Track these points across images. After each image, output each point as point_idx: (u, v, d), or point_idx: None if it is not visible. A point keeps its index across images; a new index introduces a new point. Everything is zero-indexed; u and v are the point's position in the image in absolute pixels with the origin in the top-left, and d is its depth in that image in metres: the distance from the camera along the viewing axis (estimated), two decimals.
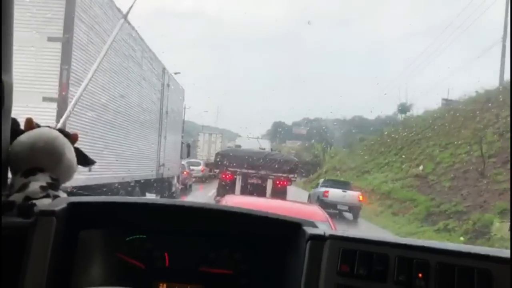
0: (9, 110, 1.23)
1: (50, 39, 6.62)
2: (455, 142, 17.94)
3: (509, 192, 12.18)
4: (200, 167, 25.94)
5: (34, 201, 1.21)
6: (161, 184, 13.33)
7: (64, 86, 6.83)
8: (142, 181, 11.25)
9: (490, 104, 18.45)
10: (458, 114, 20.39)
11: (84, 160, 1.48)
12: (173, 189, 15.07)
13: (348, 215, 16.43)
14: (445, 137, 19.24)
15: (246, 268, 1.30)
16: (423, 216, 14.75)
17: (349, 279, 1.09)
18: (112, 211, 1.29)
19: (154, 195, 12.95)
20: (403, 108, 28.93)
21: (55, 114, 6.68)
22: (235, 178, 14.71)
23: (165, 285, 1.28)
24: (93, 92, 7.47)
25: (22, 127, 1.39)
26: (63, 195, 1.33)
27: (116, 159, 8.83)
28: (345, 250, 1.11)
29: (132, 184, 10.39)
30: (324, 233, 1.16)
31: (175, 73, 15.26)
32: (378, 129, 31.06)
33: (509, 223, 10.24)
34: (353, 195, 16.23)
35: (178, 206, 1.31)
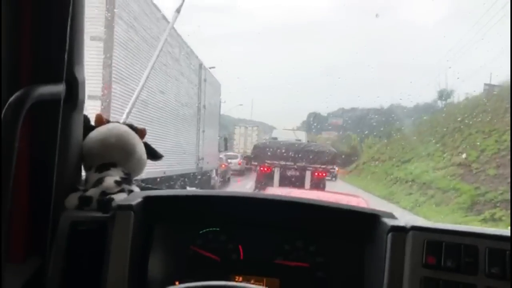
0: (82, 107, 1.26)
1: (93, 38, 6.78)
2: (500, 129, 17.29)
3: None
4: (238, 160, 26.08)
5: (111, 196, 1.24)
6: (201, 177, 13.50)
7: (106, 84, 7.00)
8: (182, 175, 11.42)
9: None
10: (502, 99, 19.61)
11: (153, 154, 1.51)
12: (212, 182, 15.24)
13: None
14: (488, 123, 18.56)
15: (322, 261, 1.28)
16: (467, 206, 14.31)
17: (436, 271, 1.05)
18: (185, 204, 1.31)
19: (195, 188, 13.14)
20: (444, 95, 28.05)
21: (99, 111, 6.88)
22: (273, 171, 14.70)
23: (241, 278, 1.28)
24: (134, 89, 7.61)
25: (92, 123, 1.42)
26: (136, 189, 1.36)
27: None
28: (430, 242, 1.07)
29: (173, 178, 10.57)
30: (406, 224, 1.13)
31: (211, 68, 15.35)
32: (418, 117, 30.27)
33: None
34: None
35: (250, 198, 1.31)
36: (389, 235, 1.11)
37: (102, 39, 6.89)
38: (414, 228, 1.11)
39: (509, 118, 17.32)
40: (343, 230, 1.27)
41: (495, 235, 1.06)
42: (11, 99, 0.94)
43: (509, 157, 15.30)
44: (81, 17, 1.20)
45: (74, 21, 1.14)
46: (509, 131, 16.48)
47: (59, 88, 1.11)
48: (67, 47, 1.11)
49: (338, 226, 1.27)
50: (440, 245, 1.06)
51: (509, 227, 11.29)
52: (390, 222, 1.15)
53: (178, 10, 2.48)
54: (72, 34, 1.13)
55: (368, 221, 1.22)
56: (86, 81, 1.27)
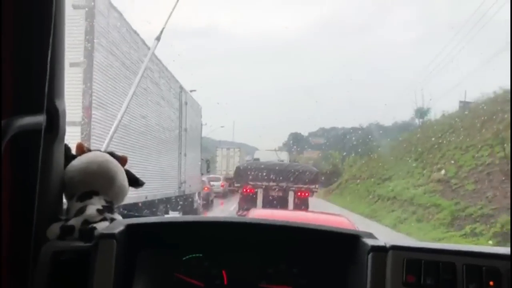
0: (63, 136, 1.27)
1: (72, 64, 6.78)
2: (476, 144, 17.65)
3: None
4: (220, 183, 25.97)
5: (93, 225, 1.24)
6: (183, 201, 13.40)
7: (87, 110, 6.98)
8: (164, 199, 11.33)
9: (509, 105, 18.14)
10: (476, 116, 20.08)
11: (134, 181, 1.51)
12: (195, 205, 15.13)
13: None
14: (465, 139, 18.94)
15: (306, 283, 1.29)
16: (448, 221, 14.47)
17: None
18: (168, 231, 1.31)
19: (177, 212, 13.04)
20: (421, 113, 28.62)
21: (79, 137, 6.84)
22: (256, 192, 14.69)
23: None
24: (115, 114, 7.60)
25: (73, 152, 1.42)
26: (118, 217, 1.36)
27: None
28: (409, 260, 1.10)
29: (156, 202, 10.48)
30: (385, 243, 1.15)
31: (191, 91, 15.42)
32: (396, 135, 30.72)
33: None
34: None
35: (231, 223, 1.33)
36: (370, 255, 1.13)
37: (82, 65, 6.90)
38: (394, 248, 1.13)
39: (484, 133, 17.72)
40: (325, 252, 1.28)
41: (472, 252, 1.09)
42: None
43: (486, 172, 15.60)
44: (62, 48, 1.22)
45: (54, 51, 1.15)
46: (485, 147, 16.84)
47: (40, 119, 1.12)
48: (47, 78, 1.12)
49: (320, 248, 1.28)
50: (419, 264, 1.09)
51: (488, 242, 11.44)
52: (370, 242, 1.17)
53: (158, 38, 2.53)
54: (52, 64, 1.15)
55: (348, 242, 1.24)
56: (66, 108, 1.29)
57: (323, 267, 1.29)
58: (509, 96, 19.29)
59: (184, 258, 1.32)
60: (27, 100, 1.13)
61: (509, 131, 16.08)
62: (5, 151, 0.95)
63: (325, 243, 1.29)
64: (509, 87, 20.72)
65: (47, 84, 1.12)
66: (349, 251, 1.24)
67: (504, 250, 1.12)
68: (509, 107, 17.98)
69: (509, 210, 12.31)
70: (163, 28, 2.39)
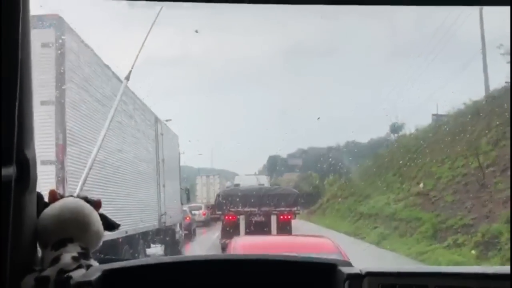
0: (34, 186, 1.25)
1: (43, 102, 6.69)
2: (451, 156, 18.02)
3: None
4: (201, 211, 25.74)
5: (69, 274, 1.21)
6: (164, 233, 13.19)
7: (60, 147, 6.87)
8: (145, 232, 11.14)
9: (479, 115, 18.67)
10: (449, 128, 20.58)
11: (109, 225, 1.49)
12: (177, 236, 14.90)
13: None
14: (440, 152, 19.33)
15: None
16: (431, 234, 14.62)
17: None
18: (146, 274, 1.30)
19: (159, 245, 12.82)
20: (395, 128, 29.18)
21: (54, 176, 6.70)
22: (238, 218, 14.58)
23: None
24: (90, 150, 7.49)
25: (46, 199, 1.40)
26: (94, 263, 1.34)
27: (117, 214, 8.77)
28: (384, 286, 1.13)
29: (136, 237, 10.29)
30: (361, 271, 1.18)
31: (167, 120, 15.38)
32: (373, 151, 31.15)
33: None
34: None
35: (209, 261, 1.33)
36: (346, 283, 1.17)
37: (54, 103, 6.82)
38: (369, 274, 1.18)
39: (458, 144, 18.13)
40: (303, 281, 1.31)
41: (444, 273, 1.14)
42: None
43: (463, 182, 15.89)
44: (29, 96, 1.21)
45: (22, 101, 1.15)
46: (460, 158, 17.20)
47: (10, 170, 1.10)
48: (16, 129, 1.11)
49: (299, 278, 1.30)
50: None
51: (471, 252, 11.58)
52: (346, 270, 1.21)
53: (127, 78, 2.53)
54: (20, 114, 1.14)
55: (326, 270, 1.27)
56: (37, 146, 1.27)
57: None
58: (475, 108, 19.88)
59: None
60: None
61: (481, 140, 16.50)
62: None
63: (303, 273, 1.31)
64: (476, 99, 21.37)
65: (15, 134, 1.10)
66: (326, 280, 1.27)
67: (474, 269, 1.18)
68: (478, 118, 18.50)
69: (489, 219, 12.53)
70: (132, 67, 2.40)
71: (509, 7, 1.09)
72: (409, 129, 28.74)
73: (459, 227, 13.50)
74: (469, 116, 19.40)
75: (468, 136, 17.89)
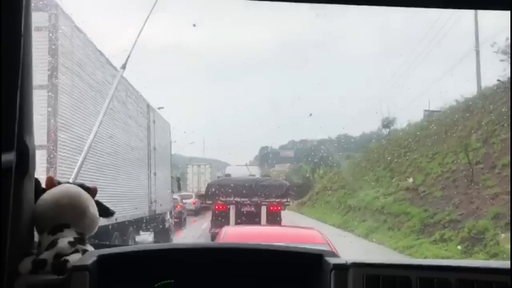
0: (33, 172, 1.28)
1: (36, 87, 6.62)
2: (442, 152, 18.18)
3: (500, 197, 12.34)
4: (192, 200, 25.77)
5: (66, 258, 1.24)
6: (154, 221, 13.20)
7: (52, 132, 6.84)
8: (135, 220, 11.14)
9: (470, 112, 18.82)
10: (441, 124, 20.72)
11: (105, 211, 1.53)
12: (167, 225, 14.92)
13: None
14: (431, 147, 19.50)
15: None
16: (418, 228, 14.79)
17: None
18: (139, 259, 1.33)
19: (148, 233, 12.84)
20: (387, 123, 29.28)
21: (45, 161, 6.68)
22: (229, 208, 14.63)
23: None
24: (81, 136, 7.47)
25: (43, 185, 1.42)
26: (90, 248, 1.37)
27: (108, 201, 8.75)
28: (368, 276, 1.17)
29: (126, 224, 10.29)
30: (346, 261, 1.22)
31: (159, 108, 15.32)
32: (364, 145, 31.29)
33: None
34: None
35: (200, 249, 1.36)
36: (332, 272, 1.21)
37: (46, 87, 6.77)
38: (354, 265, 1.21)
39: (449, 140, 18.28)
40: (290, 271, 1.34)
41: (425, 266, 1.18)
42: None
43: (452, 178, 16.06)
44: (30, 85, 1.23)
45: (23, 89, 1.17)
46: (450, 154, 17.36)
47: (10, 157, 1.12)
48: (17, 116, 1.13)
49: (286, 267, 1.35)
50: (377, 279, 1.17)
51: (457, 247, 11.75)
52: (332, 260, 1.25)
53: (123, 67, 2.54)
54: (21, 102, 1.16)
55: (312, 260, 1.31)
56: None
57: (290, 285, 1.35)
58: (466, 105, 20.04)
59: (156, 285, 1.34)
60: None
61: (471, 137, 16.65)
62: None
63: (290, 263, 1.35)
64: (468, 96, 21.53)
65: (16, 121, 1.12)
66: (313, 269, 1.31)
67: (455, 262, 1.23)
68: (469, 115, 18.66)
69: (476, 216, 12.70)
70: (128, 56, 2.41)
71: (508, 12, 1.11)
72: (401, 124, 28.92)
73: (446, 222, 13.67)
74: (460, 113, 19.57)
75: (459, 132, 18.06)
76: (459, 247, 11.75)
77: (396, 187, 19.51)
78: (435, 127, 21.17)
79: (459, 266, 1.17)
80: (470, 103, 20.18)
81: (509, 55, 16.71)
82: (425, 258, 11.23)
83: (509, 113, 13.93)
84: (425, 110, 26.10)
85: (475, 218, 12.54)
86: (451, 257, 11.11)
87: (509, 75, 17.08)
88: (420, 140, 21.43)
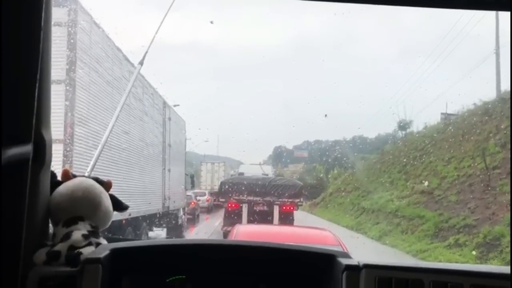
0: (49, 165, 1.30)
1: (54, 81, 6.70)
2: (458, 156, 17.94)
3: None
4: (205, 197, 25.88)
5: (79, 250, 1.25)
6: (167, 217, 13.28)
7: (68, 127, 6.91)
8: (148, 215, 11.22)
9: (489, 116, 18.53)
10: (458, 128, 20.44)
11: (118, 206, 1.53)
12: (180, 221, 15.00)
13: None
14: (447, 151, 19.26)
15: None
16: (432, 232, 14.63)
17: None
18: (152, 254, 1.34)
19: (161, 229, 12.92)
20: (403, 125, 28.94)
21: (61, 155, 6.76)
22: (241, 207, 14.64)
23: None
24: (97, 131, 7.54)
25: (59, 178, 1.43)
26: (103, 241, 1.39)
27: (122, 196, 8.81)
28: (381, 278, 1.16)
29: (139, 219, 10.37)
30: (359, 262, 1.21)
31: (175, 106, 15.39)
32: (380, 147, 31.04)
33: None
34: None
35: (212, 245, 1.36)
36: (344, 273, 1.20)
37: (64, 82, 6.85)
38: (366, 266, 1.20)
39: (466, 144, 18.04)
40: (302, 270, 1.34)
41: (439, 269, 1.16)
42: None
43: (468, 183, 15.84)
44: (48, 78, 1.25)
45: (42, 82, 1.19)
46: (467, 158, 17.12)
47: (28, 149, 1.14)
48: (35, 108, 1.14)
49: (298, 267, 1.34)
50: (389, 281, 1.16)
51: (472, 252, 11.58)
52: (344, 261, 1.24)
53: (141, 63, 2.55)
54: (40, 95, 1.17)
55: (324, 261, 1.30)
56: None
57: (301, 285, 1.34)
58: (485, 109, 19.72)
59: (167, 280, 1.35)
60: (14, 130, 1.14)
61: (489, 142, 16.40)
62: None
63: (302, 262, 1.35)
64: (487, 99, 21.19)
65: (34, 114, 1.13)
66: (325, 270, 1.30)
67: (469, 267, 1.21)
68: (488, 119, 18.37)
69: (492, 221, 12.51)
70: (146, 53, 2.42)
71: (509, 12, 1.09)
72: (418, 126, 28.58)
73: (461, 227, 13.49)
74: (479, 116, 19.28)
75: (476, 136, 17.80)
76: (474, 252, 11.59)
77: (410, 190, 19.32)
78: (452, 130, 20.89)
79: (474, 271, 1.15)
80: (489, 106, 19.85)
81: None
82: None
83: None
84: (442, 113, 25.75)
85: (491, 224, 12.35)
86: (465, 262, 10.97)
87: None
88: (436, 143, 21.18)
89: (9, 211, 1.16)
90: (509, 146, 14.98)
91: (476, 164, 15.99)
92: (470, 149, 17.16)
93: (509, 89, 19.66)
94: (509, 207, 12.47)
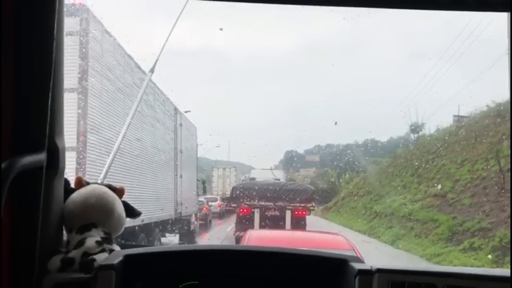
0: (62, 172, 1.32)
1: (66, 90, 6.78)
2: (471, 158, 17.74)
3: None
4: (217, 203, 25.90)
5: (93, 257, 1.27)
6: (180, 222, 13.32)
7: (81, 134, 6.99)
8: (161, 221, 11.27)
9: (502, 118, 18.31)
10: (471, 130, 20.23)
11: (131, 212, 1.55)
12: (192, 227, 15.03)
13: None
14: (460, 153, 19.06)
15: None
16: (446, 236, 14.47)
17: None
18: (165, 260, 1.35)
19: (174, 234, 12.96)
20: (415, 128, 28.71)
21: (74, 162, 6.83)
22: (253, 212, 14.63)
23: None
24: (110, 138, 7.60)
25: (72, 185, 1.45)
26: (116, 248, 1.40)
27: (134, 202, 8.85)
28: (394, 283, 1.16)
29: (152, 225, 10.42)
30: (371, 267, 1.20)
31: (186, 112, 15.45)
32: (392, 151, 30.81)
33: None
34: None
35: (224, 251, 1.37)
36: (357, 278, 1.20)
37: (76, 90, 6.93)
38: (379, 271, 1.20)
39: (479, 147, 17.83)
40: (315, 275, 1.34)
41: (452, 273, 1.15)
42: None
43: (482, 185, 15.65)
44: (61, 86, 1.27)
45: (54, 90, 1.21)
46: (481, 160, 16.93)
47: (41, 157, 1.16)
48: (48, 116, 1.16)
49: (310, 272, 1.34)
50: (403, 286, 1.16)
51: (487, 256, 11.42)
52: (357, 266, 1.24)
53: (152, 70, 2.58)
54: (53, 103, 1.20)
55: (337, 266, 1.30)
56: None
57: None
58: (498, 110, 19.49)
59: (180, 286, 1.36)
60: (28, 138, 1.17)
61: (503, 144, 16.19)
62: (8, 188, 0.99)
63: (315, 268, 1.35)
64: (500, 101, 20.94)
65: (48, 122, 1.15)
66: (337, 275, 1.30)
67: (484, 271, 1.19)
68: (501, 120, 18.15)
69: (508, 224, 12.33)
70: (157, 60, 2.44)
71: (507, 13, 1.09)
72: (429, 129, 28.31)
73: (476, 230, 13.32)
74: (492, 118, 19.06)
75: (489, 138, 17.59)
76: (489, 256, 11.43)
77: (423, 193, 19.14)
78: (464, 133, 20.68)
79: (487, 274, 1.14)
80: (502, 108, 19.61)
81: None
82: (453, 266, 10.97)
83: None
84: (454, 115, 25.50)
85: (507, 227, 12.18)
86: (481, 267, 10.82)
87: None
88: (449, 146, 20.97)
89: (24, 218, 1.18)
90: None
91: (490, 166, 15.80)
92: (484, 151, 16.97)
93: None
94: None
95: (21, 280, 1.17)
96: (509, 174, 14.37)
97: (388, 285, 1.16)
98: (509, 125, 17.12)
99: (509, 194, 13.64)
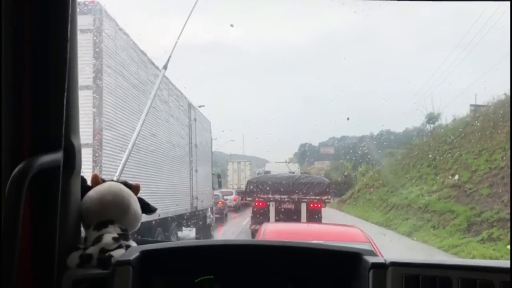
0: (79, 170, 1.34)
1: (81, 87, 6.85)
2: (489, 148, 17.48)
3: None
4: (233, 197, 26.02)
5: (110, 253, 1.30)
6: (196, 217, 13.42)
7: (97, 131, 7.07)
8: (177, 216, 11.36)
9: None
10: (488, 119, 19.92)
11: (147, 208, 1.57)
12: (208, 221, 15.13)
13: None
14: (477, 143, 18.78)
15: None
16: (464, 227, 14.31)
17: None
18: (181, 255, 1.37)
19: (190, 229, 13.07)
20: (431, 118, 28.33)
21: (91, 159, 6.92)
22: (269, 205, 14.66)
23: None
24: (125, 134, 7.68)
25: (89, 183, 1.48)
26: (133, 244, 1.42)
27: (150, 198, 8.95)
28: (408, 276, 1.15)
29: (168, 220, 10.51)
30: (385, 260, 1.20)
31: (200, 106, 15.50)
32: (408, 141, 30.52)
33: None
34: None
35: (240, 246, 1.38)
36: (371, 272, 1.20)
37: (91, 88, 7.01)
38: (393, 264, 1.19)
39: (497, 136, 17.55)
40: (329, 269, 1.35)
41: (467, 266, 1.14)
42: (14, 172, 1.01)
43: (501, 175, 15.42)
44: (76, 86, 1.29)
45: (70, 90, 1.23)
46: (499, 150, 16.67)
47: (58, 156, 1.18)
48: (64, 116, 1.18)
49: (324, 266, 1.35)
50: (417, 279, 1.15)
51: (507, 247, 11.27)
52: (371, 259, 1.23)
53: (165, 67, 2.59)
54: (68, 103, 1.22)
55: (350, 259, 1.30)
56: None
57: (328, 285, 1.35)
58: None
59: (196, 280, 1.37)
60: (45, 138, 1.19)
61: None
62: (26, 188, 1.01)
63: (329, 261, 1.36)
64: None
65: (64, 122, 1.18)
66: (351, 268, 1.30)
67: (499, 263, 1.18)
68: None
69: None
70: (170, 57, 2.45)
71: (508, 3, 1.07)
72: (446, 119, 27.94)
73: (494, 221, 13.15)
74: (509, 107, 18.71)
75: (508, 127, 17.29)
76: (508, 247, 11.28)
77: (440, 184, 18.94)
78: (481, 122, 20.37)
79: (504, 267, 1.12)
80: None
81: None
82: (472, 258, 10.85)
83: None
84: (471, 105, 25.13)
85: None
86: (500, 257, 10.69)
87: None
88: (466, 136, 20.68)
89: (43, 217, 1.21)
90: None
91: (508, 156, 15.54)
92: (502, 141, 16.70)
93: None
94: None
95: (42, 276, 1.20)
96: None
97: (402, 278, 1.15)
98: None
99: None
